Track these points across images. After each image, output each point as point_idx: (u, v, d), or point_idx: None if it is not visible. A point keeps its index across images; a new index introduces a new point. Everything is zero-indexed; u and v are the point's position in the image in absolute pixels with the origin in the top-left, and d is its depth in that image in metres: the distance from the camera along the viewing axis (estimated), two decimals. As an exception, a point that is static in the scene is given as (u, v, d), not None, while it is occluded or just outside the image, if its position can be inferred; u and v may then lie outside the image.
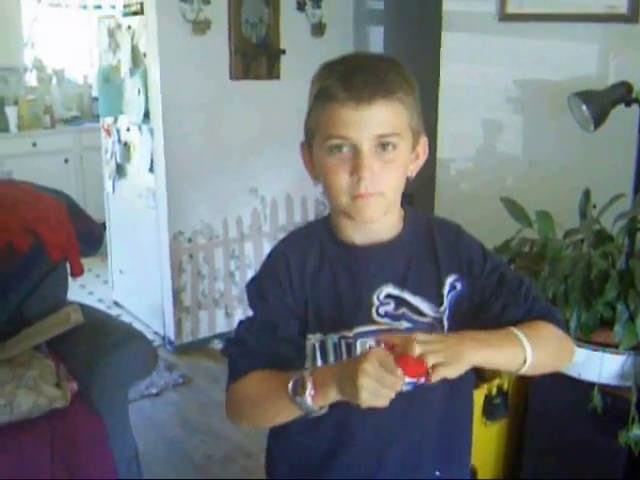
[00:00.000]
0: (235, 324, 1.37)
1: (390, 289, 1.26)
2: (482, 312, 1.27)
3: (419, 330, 1.17)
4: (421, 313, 1.25)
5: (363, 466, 1.29)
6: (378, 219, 1.23)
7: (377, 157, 1.17)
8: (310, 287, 1.27)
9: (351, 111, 1.15)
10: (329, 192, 1.23)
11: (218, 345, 4.01)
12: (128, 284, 4.59)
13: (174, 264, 3.95)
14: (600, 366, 2.10)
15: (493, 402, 2.42)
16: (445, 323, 1.26)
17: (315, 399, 1.11)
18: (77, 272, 2.75)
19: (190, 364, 3.90)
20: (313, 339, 1.26)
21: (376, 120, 1.16)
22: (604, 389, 2.12)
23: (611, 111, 2.28)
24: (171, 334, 4.07)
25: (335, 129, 1.17)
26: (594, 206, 2.30)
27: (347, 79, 1.16)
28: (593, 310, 2.04)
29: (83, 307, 2.70)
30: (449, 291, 1.27)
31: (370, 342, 1.23)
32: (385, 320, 1.25)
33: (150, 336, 3.97)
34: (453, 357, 1.07)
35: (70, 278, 2.81)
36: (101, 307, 4.25)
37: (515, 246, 2.28)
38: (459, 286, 1.27)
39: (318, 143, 1.22)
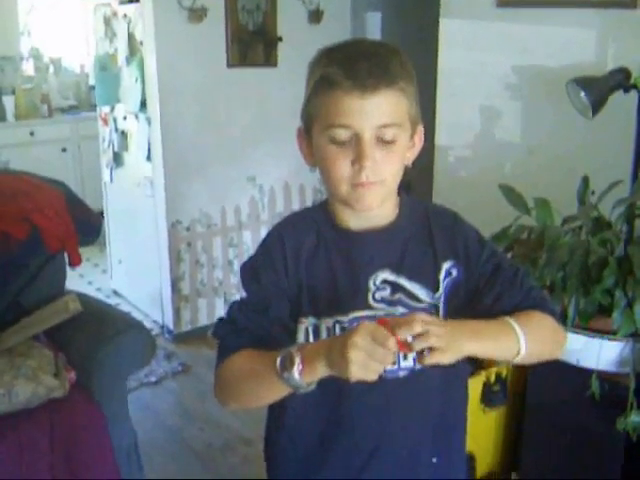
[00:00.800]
0: (234, 312, 1.37)
1: (386, 274, 1.26)
2: (476, 300, 1.28)
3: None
4: (417, 299, 1.26)
5: (361, 452, 1.29)
6: (377, 207, 1.23)
7: (378, 146, 1.17)
8: (305, 271, 1.27)
9: (355, 99, 1.14)
10: (329, 180, 1.22)
11: (216, 333, 4.02)
12: (127, 273, 4.59)
13: (172, 253, 3.95)
14: (598, 353, 2.10)
15: (492, 389, 2.43)
16: (441, 309, 1.26)
17: (303, 374, 1.10)
18: (75, 262, 2.75)
19: (189, 352, 3.91)
20: (307, 322, 1.26)
21: (379, 109, 1.16)
22: (602, 376, 2.12)
23: (609, 97, 2.27)
24: (170, 323, 4.07)
25: (337, 117, 1.16)
26: (592, 193, 2.29)
27: (350, 66, 1.15)
28: (591, 297, 2.04)
29: (81, 296, 2.70)
30: (445, 277, 1.27)
31: None
32: (381, 305, 1.25)
33: (149, 325, 3.99)
34: (450, 343, 1.07)
35: (69, 267, 2.81)
36: (100, 296, 4.24)
37: (513, 233, 2.28)
38: (455, 272, 1.27)
39: (318, 130, 1.21)
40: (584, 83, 2.29)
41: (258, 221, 4.25)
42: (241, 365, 1.24)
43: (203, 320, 4.13)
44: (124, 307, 4.33)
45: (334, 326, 1.25)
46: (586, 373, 2.12)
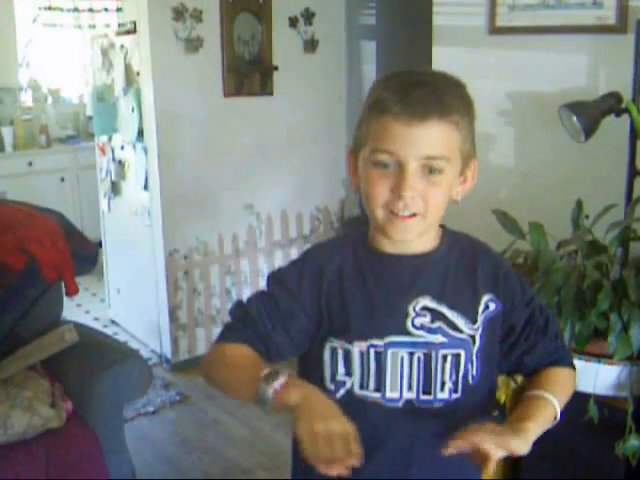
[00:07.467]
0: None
1: (427, 301, 1.24)
2: (508, 345, 1.32)
3: (452, 345, 1.23)
4: (457, 328, 1.25)
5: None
6: (412, 238, 1.23)
7: (422, 178, 1.16)
8: (338, 292, 1.26)
9: (403, 127, 1.14)
10: (367, 204, 1.22)
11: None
12: (124, 302, 4.58)
13: (170, 281, 3.95)
14: (595, 377, 2.09)
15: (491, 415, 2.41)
16: (477, 340, 1.26)
17: (276, 395, 1.08)
18: (71, 292, 2.75)
19: (187, 382, 3.88)
20: (336, 344, 1.25)
21: (426, 140, 1.14)
22: (600, 400, 2.11)
23: (602, 121, 2.29)
24: (168, 352, 4.05)
25: (383, 143, 1.16)
26: (587, 216, 2.30)
27: (404, 93, 1.14)
28: (587, 321, 2.04)
29: (77, 326, 2.69)
30: (483, 310, 1.27)
31: (402, 354, 1.23)
32: (420, 332, 1.23)
33: (147, 354, 3.98)
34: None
35: (67, 297, 2.81)
36: (98, 326, 4.25)
37: (509, 258, 2.28)
38: (492, 306, 1.27)
39: (365, 154, 1.20)
40: (576, 108, 2.30)
41: (255, 249, 4.25)
42: (236, 356, 1.25)
43: (201, 349, 4.11)
44: (122, 336, 4.31)
45: (368, 350, 1.23)
46: (583, 398, 2.11)
